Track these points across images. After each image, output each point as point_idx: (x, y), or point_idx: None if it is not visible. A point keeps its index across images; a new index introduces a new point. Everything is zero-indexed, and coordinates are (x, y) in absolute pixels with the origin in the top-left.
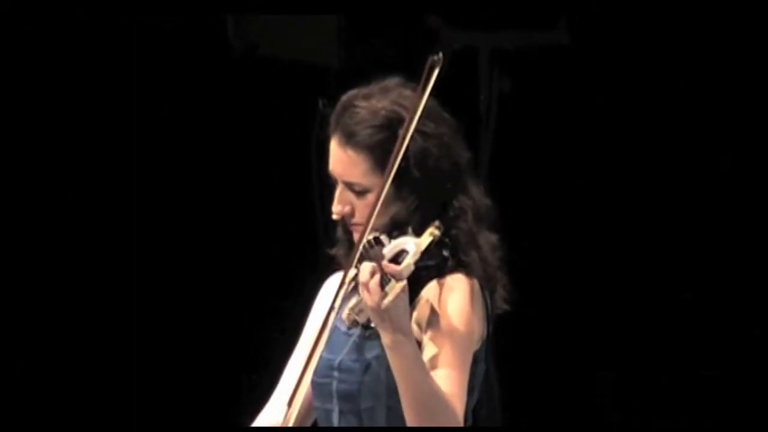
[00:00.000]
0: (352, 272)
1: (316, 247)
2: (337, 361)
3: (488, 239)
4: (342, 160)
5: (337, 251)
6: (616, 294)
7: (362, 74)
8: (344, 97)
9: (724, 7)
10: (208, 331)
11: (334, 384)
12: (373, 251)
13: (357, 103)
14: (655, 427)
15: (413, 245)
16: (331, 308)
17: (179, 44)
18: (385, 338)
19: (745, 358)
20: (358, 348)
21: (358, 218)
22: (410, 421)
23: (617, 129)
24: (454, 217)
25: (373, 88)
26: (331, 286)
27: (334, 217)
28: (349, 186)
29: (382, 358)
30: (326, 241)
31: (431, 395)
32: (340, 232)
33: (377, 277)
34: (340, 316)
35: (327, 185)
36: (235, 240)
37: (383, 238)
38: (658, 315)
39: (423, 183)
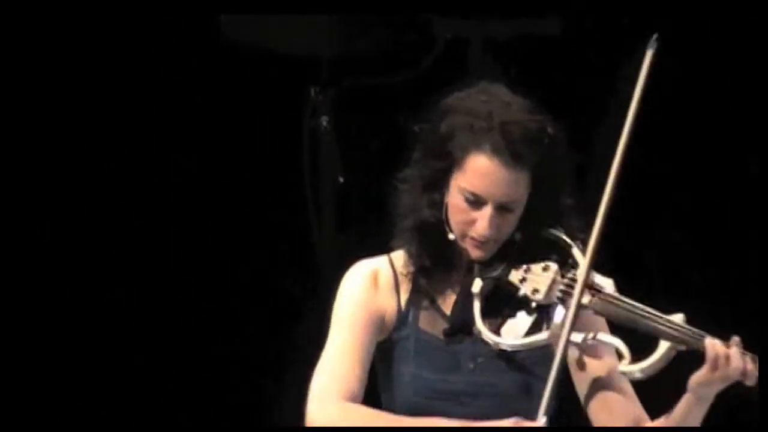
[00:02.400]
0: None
1: (309, 242)
2: (459, 387)
3: None
4: (509, 181)
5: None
6: None
7: (354, 65)
8: (481, 110)
9: None
10: (200, 332)
11: (462, 409)
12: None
13: (516, 119)
14: None
15: (595, 274)
16: (567, 341)
17: (170, 36)
18: (705, 405)
19: None
20: (487, 370)
21: (497, 236)
22: None
23: (610, 119)
24: (567, 215)
25: (503, 96)
26: (368, 279)
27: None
28: (504, 206)
29: (536, 381)
30: (320, 234)
31: None
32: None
33: (752, 365)
34: (419, 326)
35: (319, 177)
36: (230, 233)
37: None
38: None
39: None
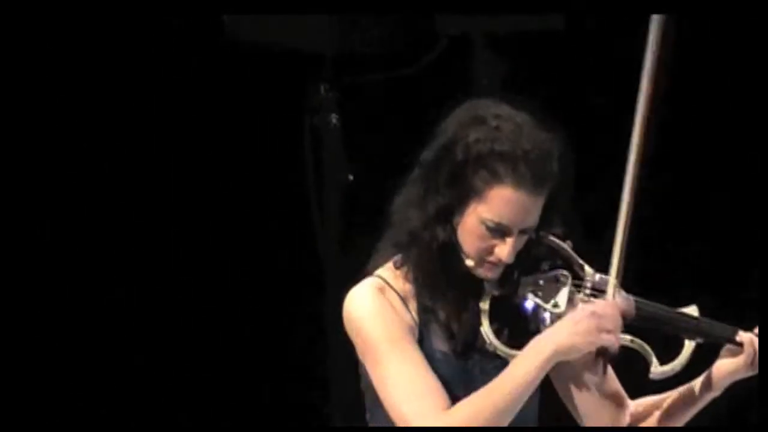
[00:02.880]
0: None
1: (313, 242)
2: None
3: None
4: (533, 208)
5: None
6: None
7: (357, 61)
8: (498, 137)
9: None
10: (200, 334)
11: None
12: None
13: (534, 145)
14: None
15: (597, 275)
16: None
17: (174, 37)
18: (717, 393)
19: None
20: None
21: (513, 259)
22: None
23: (613, 116)
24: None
25: (512, 117)
26: (382, 297)
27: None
28: (526, 230)
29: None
30: (323, 234)
31: None
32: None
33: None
34: (432, 344)
35: (325, 175)
36: (235, 233)
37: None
38: None
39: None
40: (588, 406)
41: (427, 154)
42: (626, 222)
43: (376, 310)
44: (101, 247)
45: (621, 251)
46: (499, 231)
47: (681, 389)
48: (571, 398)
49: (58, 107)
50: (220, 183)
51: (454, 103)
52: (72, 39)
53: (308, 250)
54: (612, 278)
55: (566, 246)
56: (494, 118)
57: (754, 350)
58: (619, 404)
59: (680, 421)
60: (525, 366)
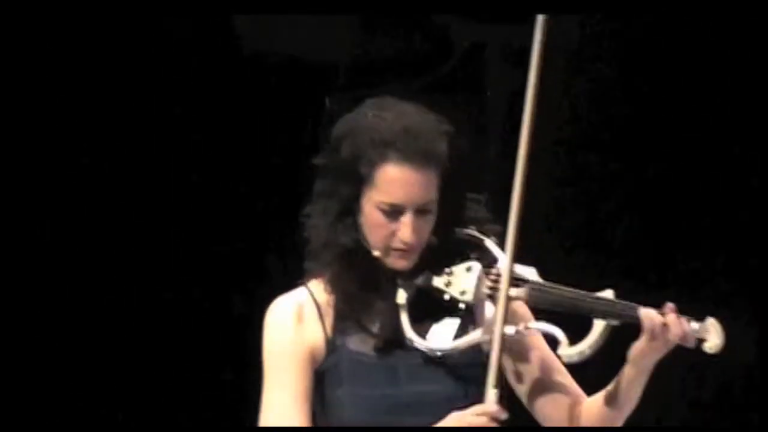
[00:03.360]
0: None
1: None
2: (401, 399)
3: None
4: (421, 184)
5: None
6: None
7: (372, 71)
8: (378, 123)
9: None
10: (210, 337)
11: (411, 419)
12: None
13: (413, 123)
14: None
15: (517, 265)
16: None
17: (186, 41)
18: (646, 375)
19: None
20: (425, 377)
21: (419, 241)
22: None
23: (626, 126)
24: (475, 211)
25: (395, 106)
26: (292, 316)
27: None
28: (422, 208)
29: (471, 383)
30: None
31: None
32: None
33: (689, 328)
34: (349, 348)
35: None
36: (244, 242)
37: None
38: None
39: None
40: (543, 404)
41: (319, 160)
42: (519, 210)
43: (278, 333)
44: (114, 253)
45: (514, 236)
46: (394, 213)
47: (616, 378)
48: (527, 396)
49: (73, 111)
50: (231, 193)
51: (467, 114)
52: (81, 44)
53: None
54: (506, 270)
55: (484, 238)
56: (377, 110)
57: (653, 325)
58: (574, 402)
59: (625, 408)
60: None
